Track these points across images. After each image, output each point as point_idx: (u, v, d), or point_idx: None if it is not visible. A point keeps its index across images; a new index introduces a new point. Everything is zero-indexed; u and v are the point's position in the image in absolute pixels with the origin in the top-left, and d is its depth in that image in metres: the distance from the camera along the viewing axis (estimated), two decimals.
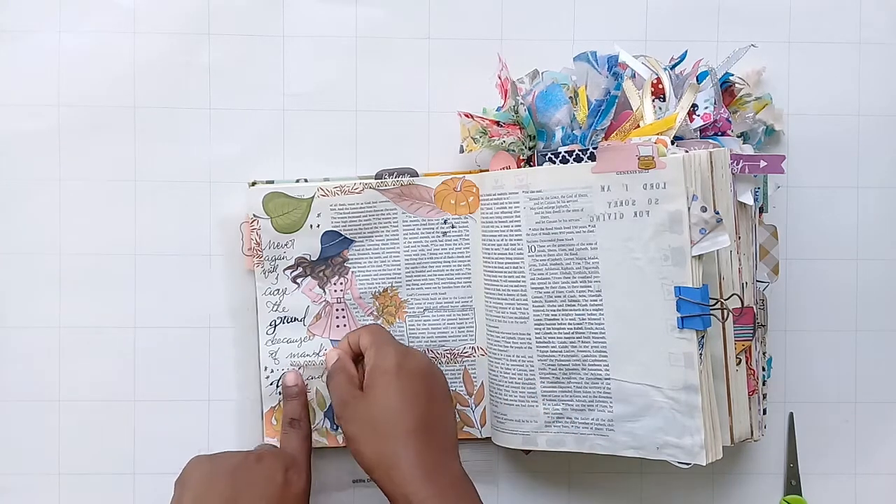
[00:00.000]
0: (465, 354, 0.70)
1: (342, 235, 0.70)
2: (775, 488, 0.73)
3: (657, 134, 0.63)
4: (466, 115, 0.69)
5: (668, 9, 0.72)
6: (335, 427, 0.71)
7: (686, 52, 0.68)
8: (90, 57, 0.71)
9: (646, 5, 0.72)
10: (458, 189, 0.70)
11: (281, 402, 0.70)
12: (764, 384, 0.69)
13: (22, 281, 0.71)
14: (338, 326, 0.71)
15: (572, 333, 0.65)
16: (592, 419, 0.65)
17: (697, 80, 0.65)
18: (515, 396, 0.67)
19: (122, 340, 0.71)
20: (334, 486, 0.71)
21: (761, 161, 0.63)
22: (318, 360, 0.70)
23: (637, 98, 0.65)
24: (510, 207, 0.66)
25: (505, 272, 0.67)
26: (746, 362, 0.65)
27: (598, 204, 0.63)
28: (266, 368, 0.70)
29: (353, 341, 0.67)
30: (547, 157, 0.66)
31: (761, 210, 0.68)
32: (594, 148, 0.63)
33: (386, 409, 0.62)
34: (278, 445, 0.68)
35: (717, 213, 0.60)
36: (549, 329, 0.66)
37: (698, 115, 0.64)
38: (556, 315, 0.65)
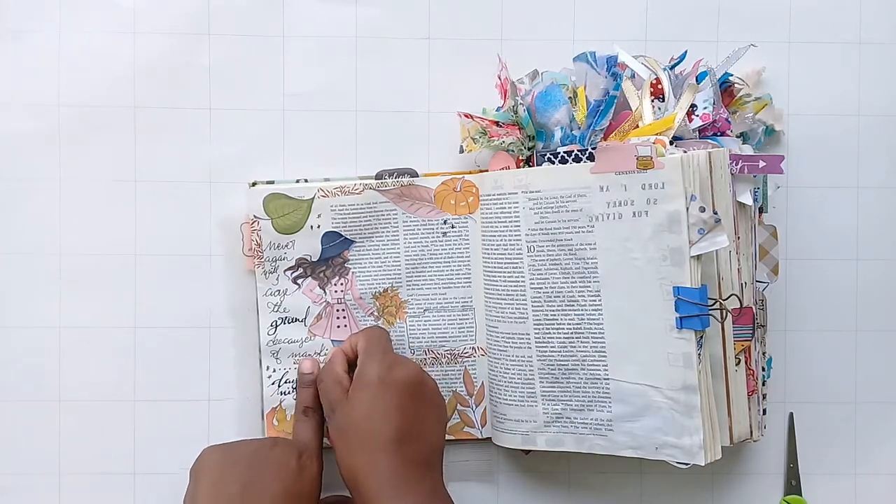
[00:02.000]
0: (466, 354, 0.70)
1: (342, 236, 0.70)
2: (775, 488, 0.73)
3: (656, 134, 0.63)
4: (466, 116, 0.69)
5: (668, 9, 0.72)
6: None
7: (686, 52, 0.68)
8: (90, 57, 0.71)
9: (646, 5, 0.72)
10: (458, 189, 0.70)
11: (282, 403, 0.70)
12: (764, 384, 0.69)
13: (22, 281, 0.71)
14: (338, 327, 0.71)
15: (571, 333, 0.65)
16: (591, 419, 0.65)
17: (697, 81, 0.65)
18: (515, 396, 0.67)
19: (122, 340, 0.71)
20: (334, 486, 0.71)
21: (760, 161, 0.63)
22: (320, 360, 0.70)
23: (636, 98, 0.65)
24: (509, 208, 0.66)
25: (504, 272, 0.67)
26: (746, 362, 0.65)
27: (596, 204, 0.63)
28: (268, 368, 0.70)
29: (353, 343, 0.67)
30: (546, 158, 0.66)
31: (761, 210, 0.68)
32: (593, 148, 0.63)
33: (363, 421, 0.62)
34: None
35: (716, 213, 0.60)
36: (548, 329, 0.66)
37: (697, 116, 0.64)
38: (555, 315, 0.65)
